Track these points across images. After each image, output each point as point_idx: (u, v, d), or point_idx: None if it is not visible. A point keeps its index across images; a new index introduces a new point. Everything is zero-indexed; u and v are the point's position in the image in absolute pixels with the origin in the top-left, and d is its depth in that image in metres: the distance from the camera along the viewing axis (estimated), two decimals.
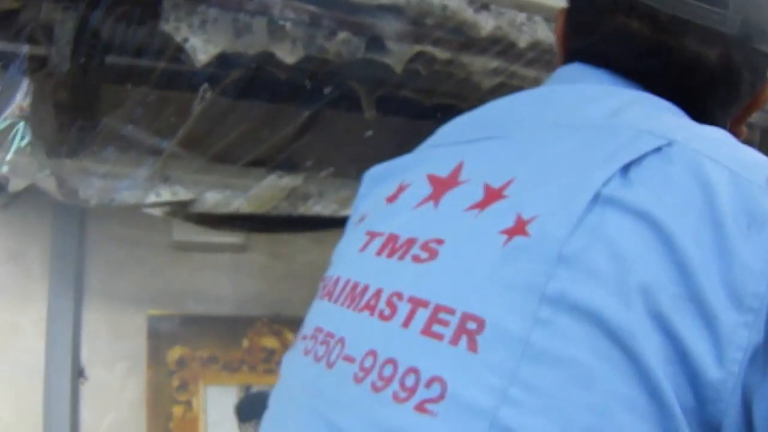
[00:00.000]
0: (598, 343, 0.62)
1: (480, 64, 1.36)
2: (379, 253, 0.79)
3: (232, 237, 2.17)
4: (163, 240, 2.16)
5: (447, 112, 1.24)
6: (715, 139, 0.72)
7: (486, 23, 1.29)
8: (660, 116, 0.76)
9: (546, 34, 1.31)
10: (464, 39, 1.33)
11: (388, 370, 0.68)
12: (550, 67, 1.33)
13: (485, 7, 1.29)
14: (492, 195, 0.73)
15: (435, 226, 0.76)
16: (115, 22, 1.21)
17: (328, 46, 1.30)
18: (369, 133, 1.55)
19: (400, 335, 0.69)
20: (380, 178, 0.92)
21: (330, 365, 0.74)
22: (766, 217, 0.64)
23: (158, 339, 2.13)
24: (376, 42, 1.32)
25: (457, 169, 0.80)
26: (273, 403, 0.83)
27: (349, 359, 0.72)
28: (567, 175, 0.70)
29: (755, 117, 1.59)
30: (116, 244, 2.13)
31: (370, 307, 0.74)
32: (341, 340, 0.75)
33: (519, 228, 0.68)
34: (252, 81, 1.37)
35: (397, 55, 1.33)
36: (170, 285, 2.18)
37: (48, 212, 2.03)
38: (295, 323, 2.14)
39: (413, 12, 1.29)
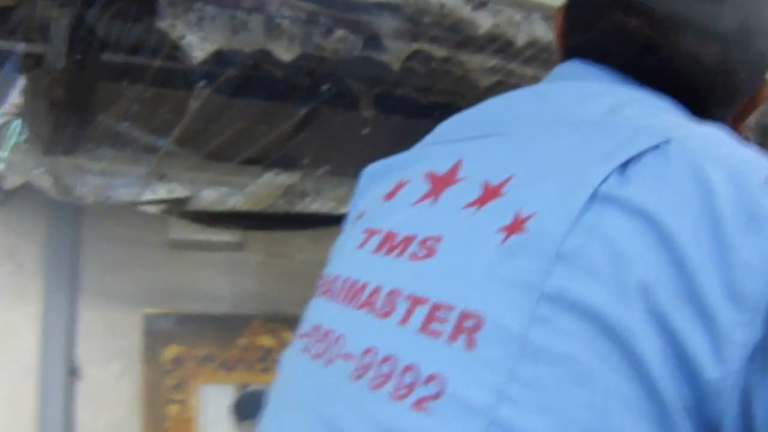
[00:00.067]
0: (597, 341, 0.62)
1: (477, 62, 1.36)
2: (377, 251, 0.79)
3: (228, 235, 2.17)
4: (159, 238, 2.16)
5: (444, 110, 1.23)
6: (713, 137, 0.72)
7: (483, 21, 1.29)
8: (658, 114, 0.76)
9: (543, 32, 1.30)
10: (461, 37, 1.32)
11: (386, 368, 0.68)
12: (547, 65, 1.33)
13: (483, 5, 1.29)
14: (490, 192, 0.73)
15: (433, 223, 0.76)
16: (111, 19, 1.20)
17: (325, 43, 1.30)
18: (366, 130, 1.55)
19: (399, 332, 0.69)
20: (378, 176, 0.91)
21: (328, 362, 0.74)
22: (765, 215, 0.64)
23: (154, 337, 2.13)
24: (373, 40, 1.32)
25: (456, 167, 0.80)
26: (271, 400, 0.83)
27: (348, 356, 0.72)
28: (565, 172, 0.70)
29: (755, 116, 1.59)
30: (112, 243, 2.13)
31: (369, 305, 0.74)
32: (339, 338, 0.75)
33: (517, 225, 0.68)
34: (248, 78, 1.37)
35: (395, 53, 1.33)
36: (166, 283, 2.18)
37: (43, 210, 2.03)
38: (291, 322, 2.14)
39: (410, 10, 1.29)
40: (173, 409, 2.09)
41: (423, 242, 0.74)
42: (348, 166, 1.67)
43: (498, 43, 1.33)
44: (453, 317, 0.66)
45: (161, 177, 1.70)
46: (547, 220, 0.67)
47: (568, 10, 0.92)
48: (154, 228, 2.11)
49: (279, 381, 0.83)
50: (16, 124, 1.49)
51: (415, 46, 1.33)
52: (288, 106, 1.47)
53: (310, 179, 1.76)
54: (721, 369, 0.61)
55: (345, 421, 0.68)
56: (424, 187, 0.81)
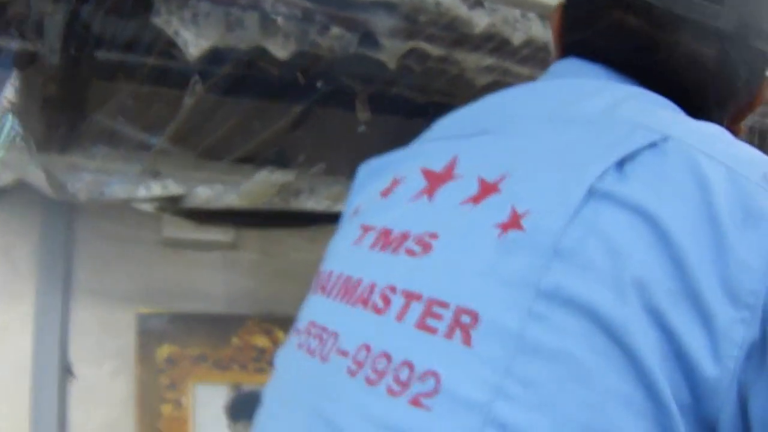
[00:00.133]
0: (594, 338, 0.62)
1: (473, 60, 1.36)
2: (372, 247, 0.79)
3: (222, 234, 2.16)
4: (153, 237, 2.15)
5: (440, 108, 1.23)
6: (710, 134, 0.72)
7: (480, 20, 1.29)
8: (655, 111, 0.76)
9: (540, 31, 1.30)
10: (458, 36, 1.32)
11: (381, 364, 0.68)
12: (544, 64, 1.32)
13: (479, 3, 1.29)
14: (487, 189, 0.73)
15: (429, 219, 0.76)
16: (106, 15, 1.20)
17: (321, 41, 1.29)
18: (361, 129, 1.55)
19: (394, 329, 0.69)
20: (374, 172, 0.91)
21: (324, 359, 0.74)
22: (762, 213, 0.64)
23: (147, 337, 2.12)
24: (369, 38, 1.31)
25: (452, 163, 0.80)
26: (267, 397, 0.82)
27: (343, 353, 0.72)
28: (562, 169, 0.70)
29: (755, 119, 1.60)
30: (105, 241, 2.12)
31: (364, 301, 0.74)
32: (335, 334, 0.75)
33: (514, 222, 0.68)
34: (243, 76, 1.36)
35: (391, 51, 1.33)
36: (160, 282, 2.17)
37: (36, 208, 2.02)
38: (286, 322, 2.14)
39: (406, 8, 1.29)
40: (167, 409, 2.08)
41: (419, 239, 0.74)
42: (343, 164, 1.67)
43: (494, 42, 1.33)
44: (449, 313, 0.66)
45: (155, 175, 1.69)
46: (544, 216, 0.67)
47: (567, 8, 0.92)
48: (147, 227, 2.10)
49: (275, 377, 0.83)
50: (10, 121, 1.49)
51: (411, 44, 1.33)
52: (283, 104, 1.47)
53: (305, 177, 1.76)
54: (718, 367, 0.61)
55: (341, 417, 0.68)
56: (421, 183, 0.81)
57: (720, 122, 0.81)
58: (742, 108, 0.89)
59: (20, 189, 1.77)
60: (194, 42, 1.20)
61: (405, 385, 0.65)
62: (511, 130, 0.80)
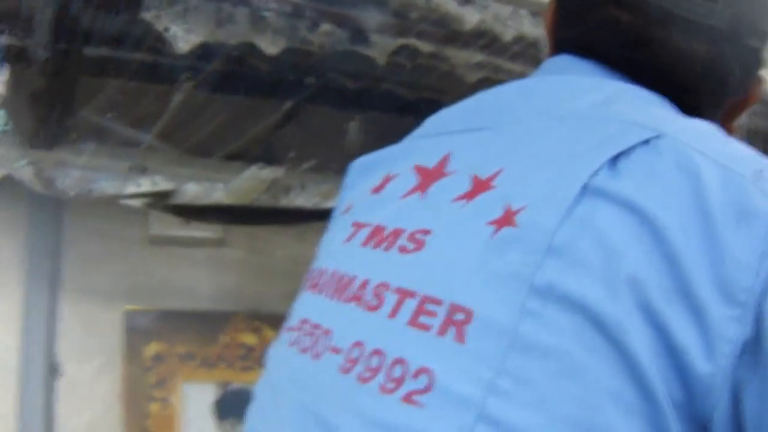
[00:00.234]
0: (587, 335, 0.61)
1: (464, 57, 1.35)
2: (365, 244, 0.79)
3: (210, 231, 2.15)
4: (140, 234, 2.14)
5: (430, 106, 1.23)
6: (703, 132, 0.72)
7: (471, 17, 1.28)
8: (648, 108, 0.76)
9: (531, 28, 1.30)
10: (448, 32, 1.32)
11: (375, 361, 0.67)
12: (535, 61, 1.32)
13: (470, 0, 1.29)
14: (480, 186, 0.73)
15: (422, 216, 0.75)
16: (95, 11, 1.19)
17: (311, 37, 1.29)
18: (352, 125, 1.55)
19: (387, 326, 0.69)
20: (366, 169, 0.91)
21: (316, 356, 0.73)
22: (756, 210, 0.64)
23: (134, 335, 2.11)
24: (359, 34, 1.31)
25: (444, 160, 0.80)
26: (258, 395, 0.82)
27: (336, 350, 0.71)
28: (555, 166, 0.70)
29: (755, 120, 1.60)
30: (93, 239, 2.11)
31: (357, 298, 0.74)
32: (328, 331, 0.74)
33: (507, 219, 0.68)
34: (233, 72, 1.36)
35: (381, 48, 1.32)
36: (147, 280, 2.17)
37: (24, 205, 2.01)
38: (274, 319, 2.14)
39: (397, 4, 1.29)
40: (154, 407, 2.08)
41: (412, 236, 0.74)
42: (333, 161, 1.67)
43: (485, 39, 1.33)
44: (442, 311, 0.66)
45: (144, 171, 1.69)
46: (538, 213, 0.67)
47: (560, 4, 0.91)
48: (135, 224, 2.10)
49: (266, 375, 0.83)
50: None
51: (401, 41, 1.33)
52: (273, 101, 1.47)
53: (295, 174, 1.75)
54: (711, 364, 0.61)
55: (334, 415, 0.68)
56: (413, 180, 0.81)
57: (713, 120, 0.81)
58: (735, 106, 0.89)
59: (7, 185, 1.76)
60: (184, 37, 1.19)
61: (398, 382, 0.65)
62: (504, 126, 0.80)
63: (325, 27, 1.29)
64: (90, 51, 1.28)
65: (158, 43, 1.26)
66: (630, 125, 0.70)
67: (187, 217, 1.91)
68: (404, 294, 0.69)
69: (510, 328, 0.63)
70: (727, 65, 0.84)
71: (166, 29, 1.19)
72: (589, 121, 0.73)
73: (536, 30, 1.31)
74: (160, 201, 1.77)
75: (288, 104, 1.47)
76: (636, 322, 0.61)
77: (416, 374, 0.64)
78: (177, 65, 1.32)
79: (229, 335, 2.18)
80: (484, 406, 0.61)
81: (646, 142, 0.68)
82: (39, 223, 2.04)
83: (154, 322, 2.14)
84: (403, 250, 0.74)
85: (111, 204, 1.84)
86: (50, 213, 2.04)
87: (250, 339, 2.19)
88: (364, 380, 0.67)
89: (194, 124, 1.53)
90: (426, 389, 0.63)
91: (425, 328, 0.66)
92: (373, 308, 0.71)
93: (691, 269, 0.62)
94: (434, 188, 0.77)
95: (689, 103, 0.82)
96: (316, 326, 0.76)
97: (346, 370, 0.69)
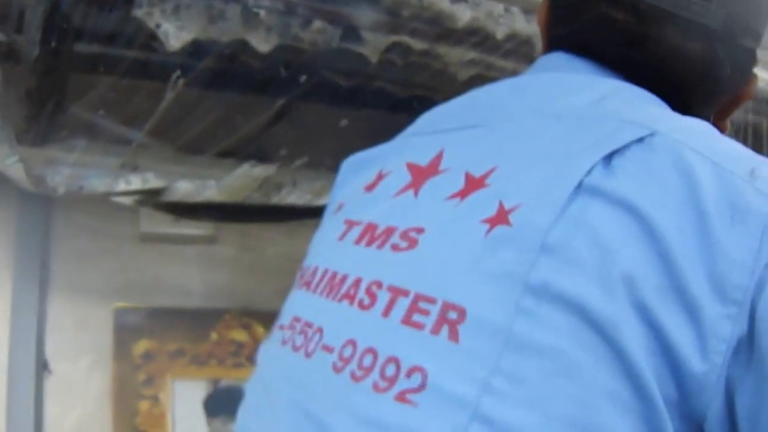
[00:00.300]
0: (581, 333, 0.61)
1: (456, 55, 1.35)
2: (357, 242, 0.78)
3: (200, 228, 2.15)
4: (131, 231, 2.14)
5: (422, 103, 1.23)
6: (697, 130, 0.72)
7: (463, 14, 1.28)
8: (642, 106, 0.76)
9: (523, 25, 1.30)
10: (441, 30, 1.32)
11: (367, 360, 0.67)
12: (527, 58, 1.32)
13: None
14: (473, 184, 0.73)
15: (415, 214, 0.75)
16: (87, 7, 1.19)
17: (303, 35, 1.29)
18: (344, 123, 1.54)
19: (380, 324, 0.69)
20: (358, 167, 0.91)
21: (308, 355, 0.73)
22: (749, 209, 0.64)
23: (124, 332, 2.11)
24: (351, 32, 1.31)
25: (438, 158, 0.79)
26: (250, 393, 0.82)
27: (328, 349, 0.71)
28: (549, 164, 0.70)
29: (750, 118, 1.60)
30: (82, 236, 2.10)
31: (350, 297, 0.73)
32: (320, 330, 0.74)
33: (501, 217, 0.68)
34: (225, 70, 1.35)
35: (373, 45, 1.32)
36: (137, 277, 2.16)
37: (13, 202, 2.00)
38: (264, 316, 2.14)
39: (389, 2, 1.28)
40: (144, 405, 2.07)
41: (404, 234, 0.74)
42: (325, 158, 1.66)
43: (478, 37, 1.33)
44: (436, 309, 0.66)
45: (135, 168, 1.68)
46: (532, 211, 0.66)
47: (554, 2, 0.91)
48: (125, 221, 2.09)
49: (258, 373, 0.83)
50: None
51: (393, 38, 1.32)
52: (265, 98, 1.46)
53: (287, 171, 1.75)
54: (705, 362, 0.61)
55: (327, 413, 0.68)
56: (406, 178, 0.80)
57: (706, 118, 0.81)
58: (729, 104, 0.89)
59: None
60: (176, 34, 1.19)
61: (391, 381, 0.65)
62: (498, 124, 0.80)
63: (318, 24, 1.29)
64: (81, 48, 1.27)
65: (150, 40, 1.26)
66: (624, 123, 0.70)
67: (179, 215, 1.91)
68: (397, 292, 0.69)
69: (504, 326, 0.62)
70: (720, 64, 0.84)
71: (158, 26, 1.18)
72: (583, 119, 0.73)
73: (529, 27, 1.30)
74: (151, 198, 1.77)
75: (280, 101, 1.47)
76: (630, 320, 0.61)
77: (409, 373, 0.64)
78: (169, 62, 1.32)
79: (219, 332, 2.18)
80: (479, 406, 0.61)
81: (641, 140, 0.68)
82: (28, 220, 2.03)
83: (144, 320, 2.13)
84: (395, 248, 0.73)
85: (101, 201, 1.84)
86: (40, 210, 2.04)
87: (240, 336, 2.19)
88: (356, 379, 0.67)
89: (186, 122, 1.53)
90: (419, 388, 0.63)
91: (418, 326, 0.66)
92: (366, 307, 0.71)
93: (685, 267, 0.62)
94: (427, 186, 0.77)
95: (683, 101, 0.82)
96: (308, 324, 0.76)
97: (339, 369, 0.69)
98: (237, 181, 1.73)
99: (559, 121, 0.74)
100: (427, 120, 0.90)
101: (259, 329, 2.17)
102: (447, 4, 1.28)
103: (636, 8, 0.82)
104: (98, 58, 1.30)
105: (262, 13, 1.25)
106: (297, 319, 0.79)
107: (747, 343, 0.61)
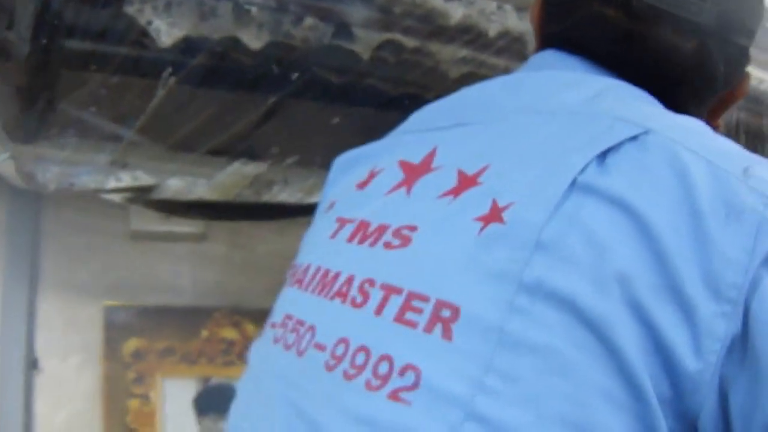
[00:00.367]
0: (575, 332, 0.61)
1: (449, 52, 1.35)
2: (350, 240, 0.78)
3: (190, 226, 2.14)
4: (121, 229, 2.13)
5: (414, 101, 1.22)
6: (691, 128, 0.72)
7: (455, 12, 1.28)
8: (636, 104, 0.76)
9: (516, 23, 1.30)
10: (433, 27, 1.31)
11: (360, 358, 0.67)
12: (519, 56, 1.32)
13: None
14: (466, 181, 0.73)
15: (407, 212, 0.75)
16: (78, 4, 1.18)
17: (295, 32, 1.28)
18: (335, 120, 1.54)
19: (373, 322, 0.68)
20: (350, 165, 0.91)
21: (300, 353, 0.73)
22: (744, 207, 0.64)
23: (114, 330, 2.10)
24: (343, 29, 1.30)
25: (430, 156, 0.79)
26: (241, 392, 0.81)
27: (320, 347, 0.71)
28: (543, 161, 0.70)
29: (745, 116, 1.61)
30: (72, 233, 2.09)
31: (342, 295, 0.73)
32: (312, 328, 0.74)
33: (494, 215, 0.68)
34: (216, 67, 1.35)
35: (365, 43, 1.31)
36: (127, 275, 2.15)
37: (3, 199, 1.99)
38: (255, 314, 2.14)
39: None
40: (134, 403, 2.06)
41: (397, 231, 0.74)
42: (317, 156, 1.66)
43: (470, 34, 1.32)
44: (429, 307, 0.66)
45: (125, 166, 1.67)
46: (526, 209, 0.66)
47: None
48: (115, 219, 2.09)
49: (249, 372, 0.82)
50: None
51: (385, 35, 1.32)
52: (256, 95, 1.46)
53: (278, 169, 1.74)
54: (699, 361, 0.61)
55: (319, 412, 0.67)
56: (399, 176, 0.80)
57: (699, 116, 0.81)
58: (722, 102, 0.89)
59: None
60: (167, 31, 1.18)
61: (384, 379, 0.64)
62: (491, 122, 0.80)
63: (309, 21, 1.28)
64: (72, 45, 1.27)
65: (141, 37, 1.25)
66: (618, 121, 0.70)
67: (169, 213, 1.90)
68: (390, 290, 0.69)
69: (498, 325, 0.62)
70: (714, 62, 0.84)
71: (149, 23, 1.17)
72: (577, 117, 0.73)
73: (521, 25, 1.30)
74: (141, 196, 1.76)
75: (271, 99, 1.46)
76: (624, 318, 0.61)
77: (402, 371, 0.64)
78: (160, 59, 1.31)
79: (209, 330, 2.17)
80: (473, 404, 0.61)
81: (635, 138, 0.68)
82: (19, 217, 2.02)
83: (134, 318, 2.12)
84: (388, 245, 0.73)
85: (92, 199, 1.83)
86: (30, 207, 2.03)
87: (231, 334, 2.18)
88: (349, 377, 0.67)
89: (177, 119, 1.52)
90: (413, 386, 0.63)
91: (412, 324, 0.66)
92: (359, 305, 0.71)
93: (679, 266, 0.62)
94: (420, 184, 0.77)
95: (676, 98, 0.82)
96: (300, 323, 0.76)
97: (331, 368, 0.68)
98: (228, 179, 1.73)
99: (553, 119, 0.74)
100: (419, 118, 0.90)
101: (250, 327, 2.17)
102: (439, 1, 1.28)
103: (629, 6, 0.82)
104: (89, 55, 1.29)
105: (254, 10, 1.24)
106: (289, 317, 0.78)
107: (741, 341, 0.61)
